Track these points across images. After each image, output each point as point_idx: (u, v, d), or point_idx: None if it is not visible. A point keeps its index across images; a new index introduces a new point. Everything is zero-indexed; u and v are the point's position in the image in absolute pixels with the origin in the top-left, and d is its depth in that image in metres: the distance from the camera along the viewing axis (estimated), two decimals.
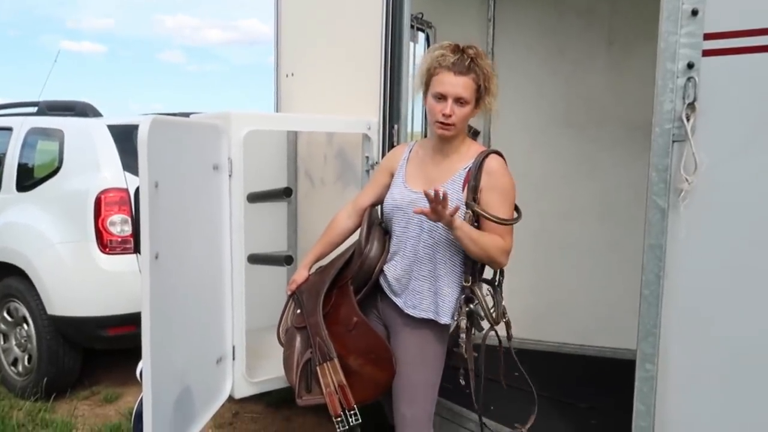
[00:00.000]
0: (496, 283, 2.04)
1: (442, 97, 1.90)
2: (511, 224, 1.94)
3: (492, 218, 1.88)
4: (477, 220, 1.92)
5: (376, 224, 2.12)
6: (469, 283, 1.95)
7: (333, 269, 2.17)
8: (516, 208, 1.99)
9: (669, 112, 1.85)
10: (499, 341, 2.05)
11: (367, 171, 2.76)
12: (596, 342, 3.55)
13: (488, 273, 2.08)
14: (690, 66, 1.82)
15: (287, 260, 2.88)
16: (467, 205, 1.90)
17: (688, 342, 1.90)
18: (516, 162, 3.68)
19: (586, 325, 3.57)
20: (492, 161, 1.95)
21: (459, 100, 1.90)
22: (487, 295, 2.01)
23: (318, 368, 2.00)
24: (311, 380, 2.03)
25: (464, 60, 1.89)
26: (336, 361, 1.98)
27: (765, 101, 1.76)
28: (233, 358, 2.53)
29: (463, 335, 1.94)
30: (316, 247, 2.27)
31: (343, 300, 2.08)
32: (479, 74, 1.90)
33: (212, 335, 2.46)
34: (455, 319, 1.96)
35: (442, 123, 1.91)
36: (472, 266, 1.95)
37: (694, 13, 1.81)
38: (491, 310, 1.97)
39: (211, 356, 2.45)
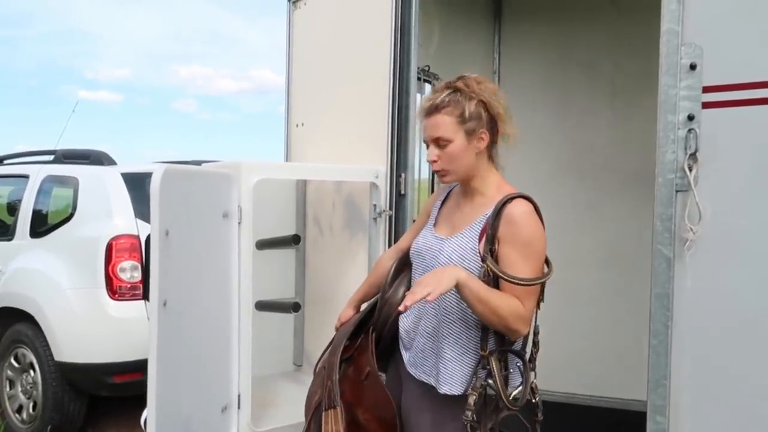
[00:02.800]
0: (528, 357, 1.71)
1: (427, 145, 1.75)
2: (531, 285, 1.61)
3: (505, 277, 1.59)
4: (495, 277, 1.63)
5: (409, 268, 1.91)
6: (486, 352, 1.63)
7: (364, 311, 2.02)
8: (547, 262, 1.71)
9: (671, 162, 1.88)
10: (526, 427, 1.72)
11: (375, 219, 2.79)
12: (606, 393, 3.48)
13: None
14: (690, 118, 1.86)
15: (294, 307, 2.88)
16: (483, 260, 1.63)
17: (700, 393, 1.88)
18: None
19: (595, 376, 3.51)
20: (514, 207, 1.65)
21: (438, 142, 1.71)
22: (512, 371, 1.70)
23: (323, 413, 1.83)
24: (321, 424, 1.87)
25: (439, 96, 1.71)
26: (339, 409, 1.79)
27: (766, 152, 1.80)
28: (238, 407, 2.51)
29: (469, 413, 1.59)
30: (361, 288, 2.10)
31: (365, 346, 1.92)
32: (460, 102, 1.68)
33: (218, 383, 2.45)
34: (466, 392, 1.64)
35: (436, 171, 1.74)
36: (493, 331, 1.65)
37: (693, 67, 1.86)
38: (515, 391, 1.66)
39: (216, 404, 2.43)
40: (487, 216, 1.69)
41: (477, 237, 1.68)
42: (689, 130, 1.86)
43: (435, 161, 1.71)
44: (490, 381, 1.62)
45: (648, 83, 2.36)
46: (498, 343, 1.65)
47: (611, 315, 3.49)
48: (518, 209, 1.65)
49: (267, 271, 2.99)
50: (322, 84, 3.27)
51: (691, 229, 1.84)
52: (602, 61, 3.57)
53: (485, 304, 1.56)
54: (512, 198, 1.67)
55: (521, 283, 1.59)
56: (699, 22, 1.86)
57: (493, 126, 1.74)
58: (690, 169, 1.85)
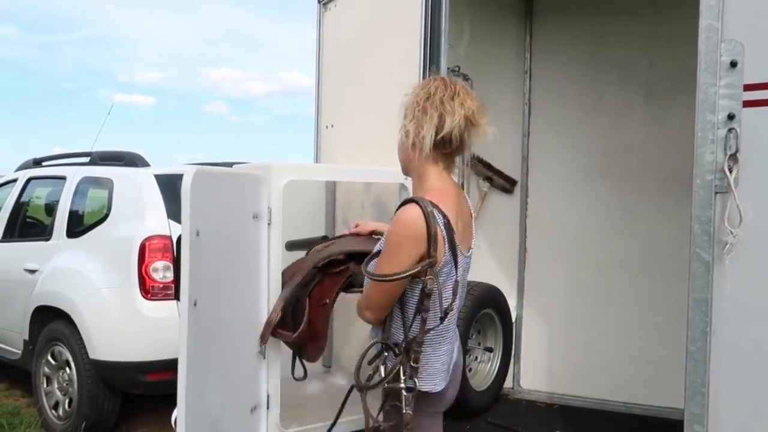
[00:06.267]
0: (404, 346, 1.64)
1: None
2: (372, 279, 1.63)
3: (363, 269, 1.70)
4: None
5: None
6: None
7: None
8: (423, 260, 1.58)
9: (710, 163, 1.83)
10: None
11: None
12: (641, 400, 3.40)
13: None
14: (731, 117, 1.81)
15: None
16: None
17: (740, 401, 1.82)
18: (553, 213, 3.70)
19: (629, 382, 3.43)
20: (398, 213, 1.64)
21: None
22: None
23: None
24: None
25: None
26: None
27: None
28: (267, 407, 2.52)
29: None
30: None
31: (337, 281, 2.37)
32: None
33: (247, 383, 2.47)
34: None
35: None
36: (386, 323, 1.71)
37: (733, 64, 1.80)
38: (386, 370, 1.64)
39: (245, 405, 2.45)
40: None
41: None
42: (729, 130, 1.80)
43: None
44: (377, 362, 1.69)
45: (684, 82, 2.30)
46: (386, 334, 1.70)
47: (646, 319, 3.41)
48: (397, 214, 1.64)
49: None
50: (351, 85, 3.27)
51: (731, 232, 1.78)
52: (636, 60, 3.49)
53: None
54: (403, 204, 1.66)
55: (367, 274, 1.66)
56: (739, 18, 1.80)
57: None
58: (730, 170, 1.79)
